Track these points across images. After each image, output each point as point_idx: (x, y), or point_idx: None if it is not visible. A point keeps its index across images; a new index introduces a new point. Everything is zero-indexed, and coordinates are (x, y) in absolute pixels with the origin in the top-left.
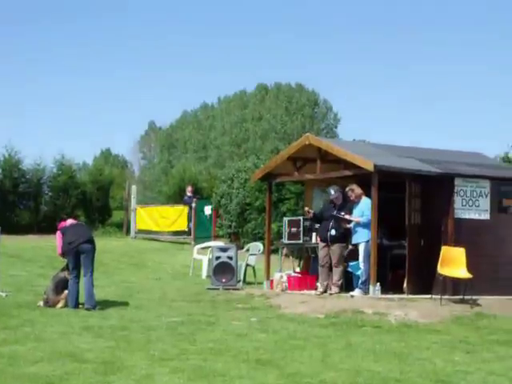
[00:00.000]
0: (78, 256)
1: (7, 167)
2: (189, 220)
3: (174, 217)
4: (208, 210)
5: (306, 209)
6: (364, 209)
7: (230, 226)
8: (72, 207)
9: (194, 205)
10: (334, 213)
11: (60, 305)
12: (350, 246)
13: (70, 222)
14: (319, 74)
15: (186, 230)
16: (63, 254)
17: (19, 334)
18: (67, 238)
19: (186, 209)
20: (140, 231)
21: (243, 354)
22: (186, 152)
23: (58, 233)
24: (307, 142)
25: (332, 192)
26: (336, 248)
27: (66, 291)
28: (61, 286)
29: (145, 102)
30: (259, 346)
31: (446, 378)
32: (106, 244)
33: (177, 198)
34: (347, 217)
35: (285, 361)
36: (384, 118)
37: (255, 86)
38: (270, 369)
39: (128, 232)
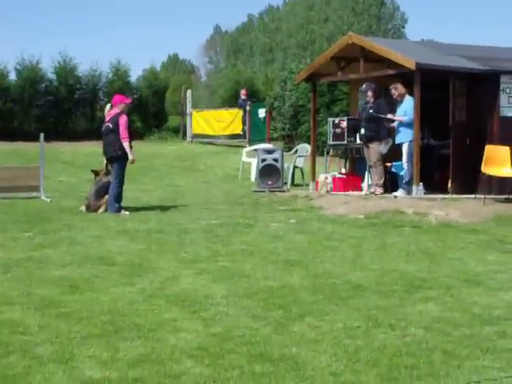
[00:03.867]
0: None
1: (63, 74)
2: (243, 123)
3: (229, 120)
4: (262, 112)
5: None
6: (407, 108)
7: (283, 129)
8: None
9: (248, 108)
10: (370, 112)
11: (102, 210)
12: (385, 144)
13: None
14: None
15: (241, 133)
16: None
17: (55, 238)
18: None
19: (240, 112)
20: (196, 135)
21: (274, 256)
22: (253, 56)
23: None
24: (350, 42)
25: (363, 86)
26: (371, 147)
27: (106, 196)
28: (103, 191)
29: (210, 5)
30: (292, 247)
31: (474, 277)
32: (160, 149)
33: (232, 101)
34: (389, 116)
35: (314, 261)
36: (453, 17)
37: None
38: (297, 269)
39: (184, 137)
